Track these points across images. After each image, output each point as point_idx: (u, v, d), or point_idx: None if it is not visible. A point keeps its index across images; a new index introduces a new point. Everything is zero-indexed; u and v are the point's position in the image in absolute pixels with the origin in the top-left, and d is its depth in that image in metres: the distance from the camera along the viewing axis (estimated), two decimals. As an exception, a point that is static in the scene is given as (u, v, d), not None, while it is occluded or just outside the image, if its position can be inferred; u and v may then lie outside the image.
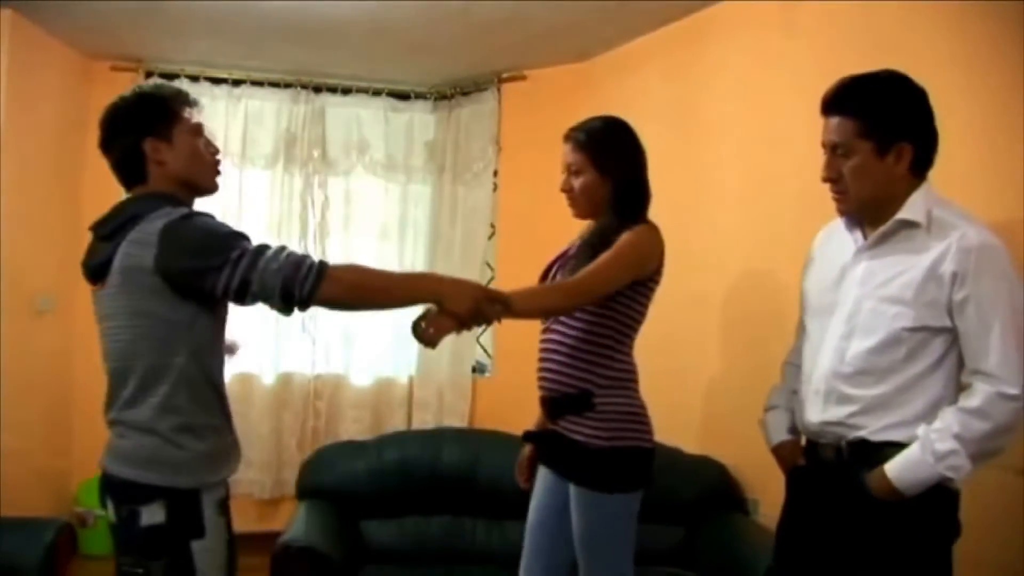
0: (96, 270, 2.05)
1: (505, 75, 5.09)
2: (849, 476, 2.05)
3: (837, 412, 2.08)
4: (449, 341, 5.09)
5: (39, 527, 3.17)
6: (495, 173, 5.17)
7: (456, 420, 5.06)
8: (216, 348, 2.15)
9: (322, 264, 1.96)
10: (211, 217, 2.05)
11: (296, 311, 1.99)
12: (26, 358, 4.35)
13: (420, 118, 5.41)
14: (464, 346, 5.13)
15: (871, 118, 2.02)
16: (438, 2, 3.94)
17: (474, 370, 5.21)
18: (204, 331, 2.07)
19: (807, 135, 3.31)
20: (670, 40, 4.26)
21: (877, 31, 3.00)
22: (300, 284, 1.92)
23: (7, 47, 4.14)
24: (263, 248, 1.96)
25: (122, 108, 2.13)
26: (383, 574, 3.48)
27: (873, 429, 2.02)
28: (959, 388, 2.00)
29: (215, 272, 1.92)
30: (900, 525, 1.99)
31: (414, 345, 5.23)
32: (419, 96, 5.38)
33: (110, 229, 2.04)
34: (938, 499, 1.97)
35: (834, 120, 2.07)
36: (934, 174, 2.10)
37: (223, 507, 2.10)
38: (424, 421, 5.12)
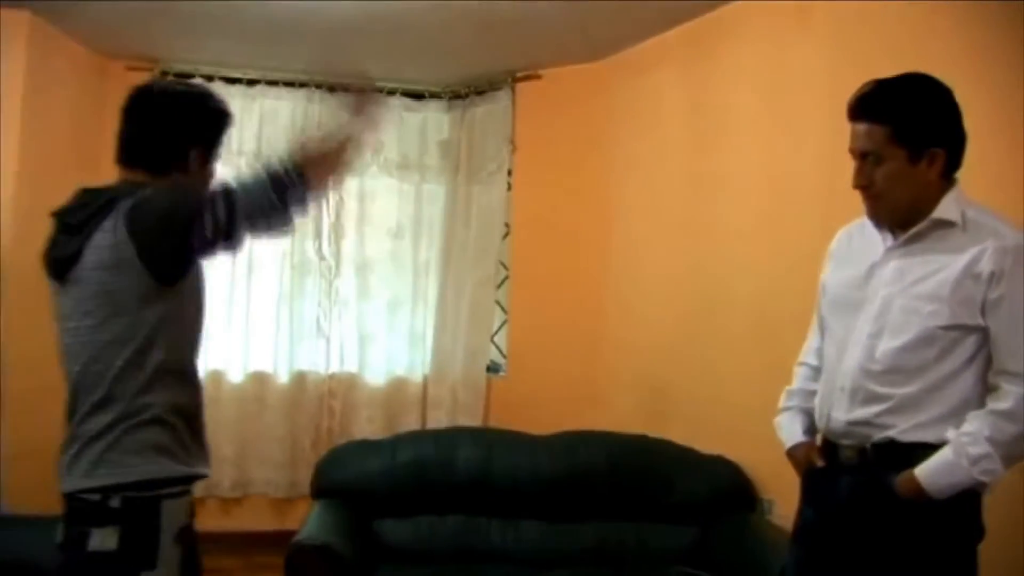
0: (61, 264, 1.90)
1: (519, 75, 5.08)
2: (873, 478, 2.03)
3: (865, 411, 2.06)
4: (463, 341, 5.19)
5: (55, 525, 3.17)
6: (509, 173, 5.17)
7: (470, 419, 5.06)
8: (190, 336, 1.99)
9: (290, 163, 1.86)
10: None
11: (289, 213, 1.87)
12: (42, 356, 4.36)
13: (434, 117, 5.41)
14: (478, 345, 5.13)
15: (903, 125, 2.00)
16: (453, 2, 3.94)
17: (488, 369, 5.21)
18: (178, 320, 1.92)
19: (824, 134, 3.31)
20: (685, 39, 4.25)
21: (893, 30, 2.99)
22: (286, 174, 1.83)
23: (25, 48, 4.17)
24: (229, 183, 1.87)
25: (193, 101, 2.02)
26: (397, 573, 3.48)
27: (902, 428, 2.00)
28: (987, 389, 1.99)
29: (197, 220, 1.79)
30: (924, 527, 1.97)
31: (428, 345, 5.31)
32: (433, 96, 5.39)
33: (79, 219, 1.89)
34: (962, 501, 1.95)
35: (863, 127, 2.05)
36: (961, 175, 2.09)
37: (183, 536, 1.91)
38: (438, 420, 5.12)
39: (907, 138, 2.00)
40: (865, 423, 2.06)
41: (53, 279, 1.94)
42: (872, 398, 2.05)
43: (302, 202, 1.88)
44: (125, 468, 1.84)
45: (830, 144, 3.27)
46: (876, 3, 3.05)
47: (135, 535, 1.82)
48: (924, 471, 1.94)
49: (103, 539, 1.80)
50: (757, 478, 3.60)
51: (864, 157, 2.06)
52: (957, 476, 1.92)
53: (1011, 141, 2.54)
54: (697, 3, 3.93)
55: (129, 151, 1.99)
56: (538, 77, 5.07)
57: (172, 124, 1.97)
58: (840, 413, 2.11)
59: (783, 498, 3.41)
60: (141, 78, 4.91)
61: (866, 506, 2.05)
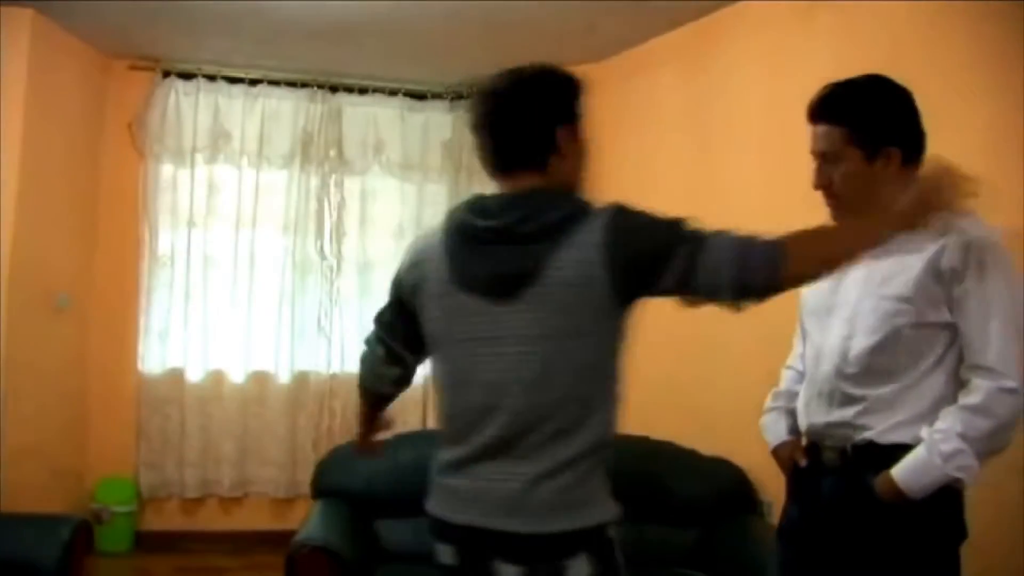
0: (511, 281, 1.66)
1: (522, 75, 5.08)
2: (854, 480, 2.03)
3: (843, 413, 2.06)
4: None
5: (56, 524, 3.18)
6: (511, 173, 5.16)
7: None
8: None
9: (778, 245, 1.65)
10: None
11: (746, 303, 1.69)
12: (44, 355, 4.38)
13: (436, 118, 5.41)
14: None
15: (858, 125, 2.04)
16: (454, 3, 3.94)
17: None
18: (623, 346, 1.75)
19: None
20: (686, 41, 4.24)
21: (895, 31, 2.98)
22: (754, 273, 1.63)
23: (28, 46, 4.17)
24: (707, 231, 1.66)
25: (543, 82, 1.82)
26: (397, 573, 3.47)
27: (880, 430, 2.00)
28: (960, 385, 1.99)
29: (670, 252, 1.61)
30: (906, 528, 1.97)
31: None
32: (435, 96, 5.39)
33: (530, 230, 1.66)
34: (943, 501, 1.95)
35: (822, 128, 2.09)
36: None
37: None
38: (439, 421, 5.11)
39: (862, 138, 2.03)
40: (844, 425, 2.07)
41: (485, 296, 1.69)
42: (848, 400, 2.06)
43: (769, 273, 1.64)
44: (595, 508, 1.68)
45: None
46: (879, 3, 3.05)
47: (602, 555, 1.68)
48: (899, 471, 1.94)
49: (579, 569, 1.64)
50: (758, 480, 3.60)
51: (823, 158, 2.09)
52: (932, 474, 1.91)
53: (1016, 140, 2.54)
54: (699, 4, 3.93)
55: (505, 158, 1.78)
56: (540, 78, 5.06)
57: (529, 114, 1.77)
58: (820, 416, 2.13)
59: (783, 500, 3.41)
60: (143, 77, 4.96)
61: (848, 508, 2.05)
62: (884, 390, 2.01)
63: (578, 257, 1.61)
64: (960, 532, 2.01)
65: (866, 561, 2.01)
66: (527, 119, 1.77)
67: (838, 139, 2.05)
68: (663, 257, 1.62)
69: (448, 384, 1.80)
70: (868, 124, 2.04)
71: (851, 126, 2.04)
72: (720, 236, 1.65)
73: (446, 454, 1.78)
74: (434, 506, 1.79)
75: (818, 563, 2.11)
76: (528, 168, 1.74)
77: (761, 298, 1.67)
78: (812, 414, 2.16)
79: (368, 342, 2.03)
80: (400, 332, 1.93)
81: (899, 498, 1.94)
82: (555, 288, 1.62)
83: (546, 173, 1.74)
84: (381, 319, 1.99)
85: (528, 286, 1.64)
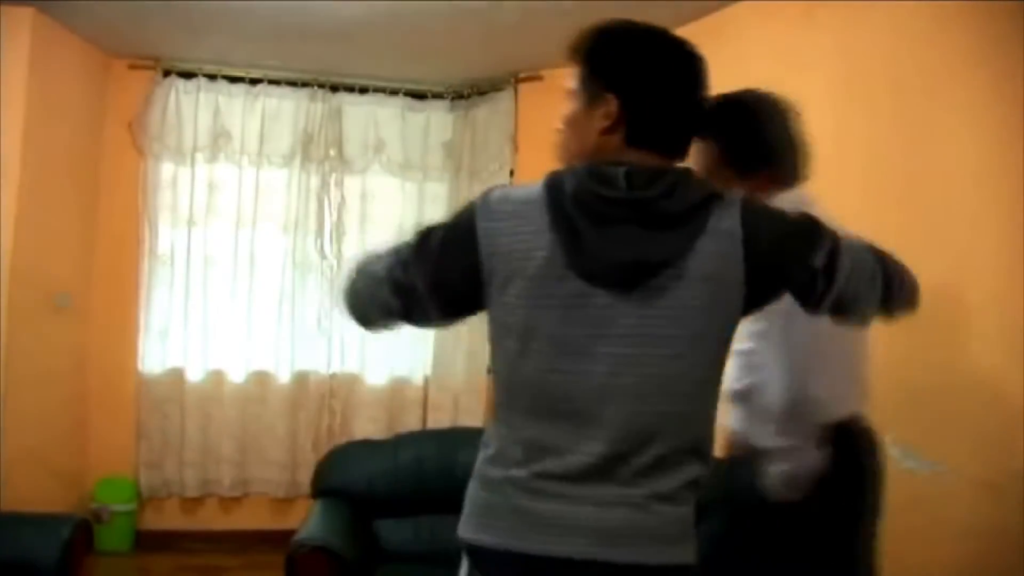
0: (646, 268, 1.40)
1: (522, 75, 5.08)
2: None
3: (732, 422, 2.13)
4: (465, 341, 5.19)
5: (56, 523, 3.18)
6: (511, 173, 5.17)
7: (471, 420, 5.05)
8: None
9: (907, 272, 1.58)
10: None
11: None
12: (43, 354, 4.38)
13: (437, 117, 5.41)
14: (480, 346, 5.12)
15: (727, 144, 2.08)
16: (455, 2, 3.94)
17: (489, 371, 5.18)
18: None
19: (827, 136, 3.30)
20: (688, 40, 4.23)
21: (895, 31, 2.98)
22: (898, 289, 1.55)
23: (29, 45, 4.17)
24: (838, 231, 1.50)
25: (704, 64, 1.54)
26: (397, 573, 3.47)
27: (756, 436, 2.04)
28: None
29: (811, 254, 1.44)
30: (798, 518, 1.97)
31: (430, 345, 5.29)
32: (436, 96, 5.38)
33: (683, 206, 1.40)
34: (830, 488, 1.94)
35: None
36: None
37: None
38: (439, 421, 5.12)
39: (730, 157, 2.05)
40: (738, 433, 2.11)
41: (606, 285, 1.41)
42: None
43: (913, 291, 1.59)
44: (691, 544, 1.48)
45: (834, 146, 3.26)
46: (881, 3, 3.04)
47: None
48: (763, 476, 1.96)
49: None
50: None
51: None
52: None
53: (1016, 140, 2.53)
54: (699, 4, 3.92)
55: (673, 133, 1.50)
56: (540, 78, 5.06)
57: (700, 96, 1.53)
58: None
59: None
60: (143, 76, 4.96)
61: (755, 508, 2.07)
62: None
63: (717, 249, 1.39)
64: (859, 511, 2.03)
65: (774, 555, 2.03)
66: (701, 95, 1.53)
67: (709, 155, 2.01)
68: (801, 256, 1.45)
69: (531, 385, 1.45)
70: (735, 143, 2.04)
71: (721, 144, 2.02)
72: (853, 240, 1.52)
73: (519, 471, 1.43)
74: (495, 533, 1.45)
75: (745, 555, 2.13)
76: (678, 151, 1.50)
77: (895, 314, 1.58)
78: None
79: (376, 280, 1.57)
80: (445, 295, 1.52)
81: (784, 498, 1.96)
82: (693, 282, 1.39)
83: (684, 158, 1.51)
84: (415, 269, 1.52)
85: (662, 277, 1.39)
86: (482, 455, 1.51)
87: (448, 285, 1.50)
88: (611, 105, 1.45)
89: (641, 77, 1.47)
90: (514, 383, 1.48)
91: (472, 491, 1.52)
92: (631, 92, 1.45)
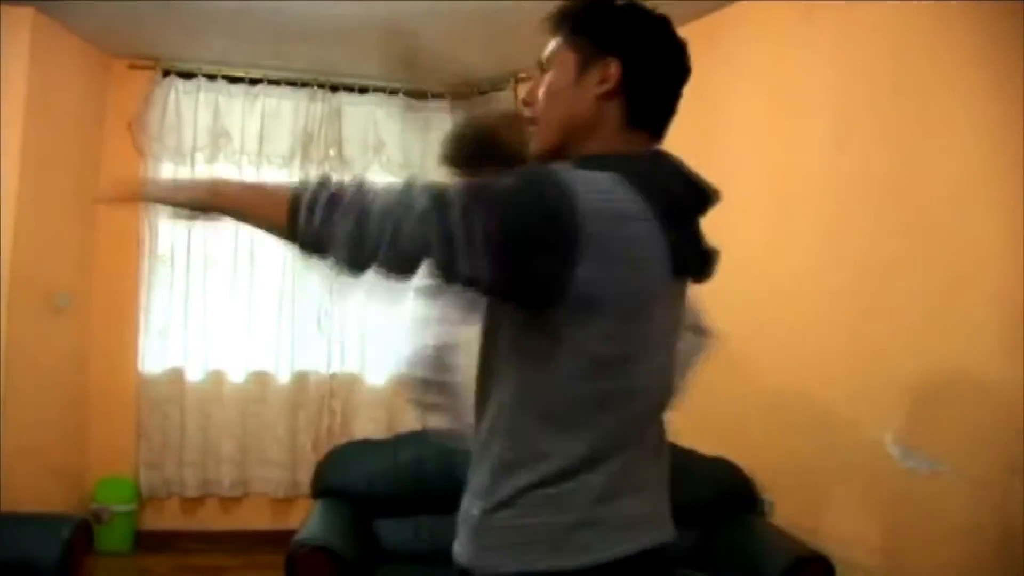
0: (707, 262, 1.47)
1: (521, 75, 5.07)
2: None
3: None
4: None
5: (56, 523, 3.18)
6: (511, 173, 5.16)
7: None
8: None
9: None
10: None
11: None
12: (43, 355, 4.38)
13: (437, 117, 5.40)
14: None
15: None
16: (455, 3, 3.94)
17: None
18: None
19: (827, 135, 3.31)
20: (687, 40, 4.23)
21: (895, 31, 2.98)
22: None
23: (28, 44, 4.18)
24: None
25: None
26: (397, 573, 3.47)
27: None
28: None
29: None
30: None
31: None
32: (436, 96, 5.38)
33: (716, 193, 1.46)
34: None
35: None
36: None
37: None
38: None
39: None
40: None
41: (683, 282, 1.42)
42: None
43: None
44: None
45: (836, 143, 3.27)
46: (879, 3, 3.05)
47: None
48: None
49: None
50: (758, 480, 3.60)
51: None
52: None
53: (1016, 140, 2.54)
54: (699, 4, 3.92)
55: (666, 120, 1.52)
56: (540, 78, 5.06)
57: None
58: None
59: (784, 499, 3.41)
60: (143, 76, 4.96)
61: None
62: None
63: None
64: None
65: None
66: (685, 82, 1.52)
67: None
68: None
69: (633, 392, 1.35)
70: None
71: None
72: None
73: (597, 476, 1.33)
74: (611, 545, 1.33)
75: None
76: (663, 136, 1.52)
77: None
78: None
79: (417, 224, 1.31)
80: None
81: None
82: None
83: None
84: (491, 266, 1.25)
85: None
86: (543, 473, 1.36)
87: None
88: (611, 67, 1.39)
89: (645, 39, 1.42)
90: (604, 391, 1.34)
91: (564, 516, 1.34)
92: (634, 54, 1.40)
